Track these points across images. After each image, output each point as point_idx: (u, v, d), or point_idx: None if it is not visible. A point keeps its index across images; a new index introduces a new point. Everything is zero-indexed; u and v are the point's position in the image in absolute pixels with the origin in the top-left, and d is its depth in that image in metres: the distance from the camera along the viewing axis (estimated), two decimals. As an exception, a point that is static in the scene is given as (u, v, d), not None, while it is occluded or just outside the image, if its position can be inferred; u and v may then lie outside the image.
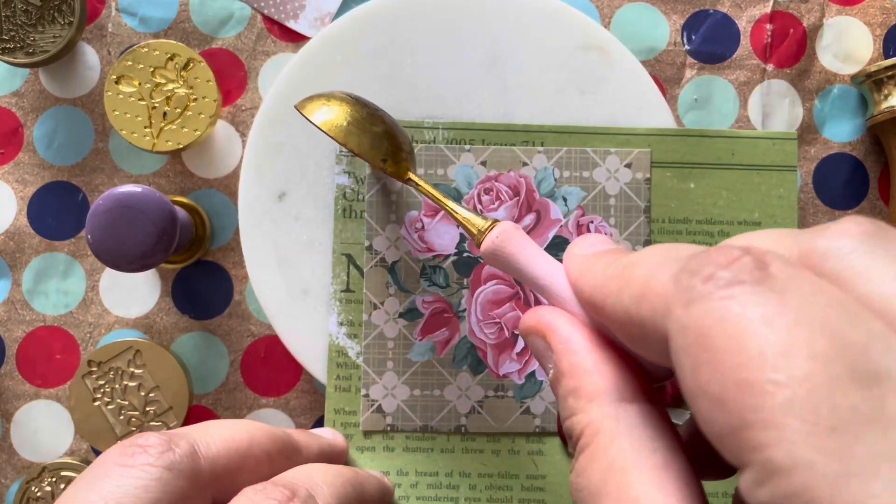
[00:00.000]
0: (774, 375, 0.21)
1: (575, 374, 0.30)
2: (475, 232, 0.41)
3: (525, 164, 0.53)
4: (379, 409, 0.52)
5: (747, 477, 0.21)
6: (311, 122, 0.46)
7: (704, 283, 0.23)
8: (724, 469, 0.30)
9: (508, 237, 0.38)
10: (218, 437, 0.40)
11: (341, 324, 0.52)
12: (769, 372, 0.21)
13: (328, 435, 0.50)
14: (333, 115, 0.46)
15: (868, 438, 0.20)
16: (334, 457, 0.49)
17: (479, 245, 0.40)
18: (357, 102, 0.47)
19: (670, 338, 0.24)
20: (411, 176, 0.47)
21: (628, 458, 0.27)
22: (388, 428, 0.52)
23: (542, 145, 0.53)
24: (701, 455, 0.30)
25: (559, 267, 0.35)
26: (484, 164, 0.53)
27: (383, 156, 0.46)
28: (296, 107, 0.47)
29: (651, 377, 0.31)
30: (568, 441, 0.30)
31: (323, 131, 0.45)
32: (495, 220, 0.40)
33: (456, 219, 0.43)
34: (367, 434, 0.52)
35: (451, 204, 0.44)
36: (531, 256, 0.37)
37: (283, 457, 0.43)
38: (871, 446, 0.20)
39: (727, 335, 0.22)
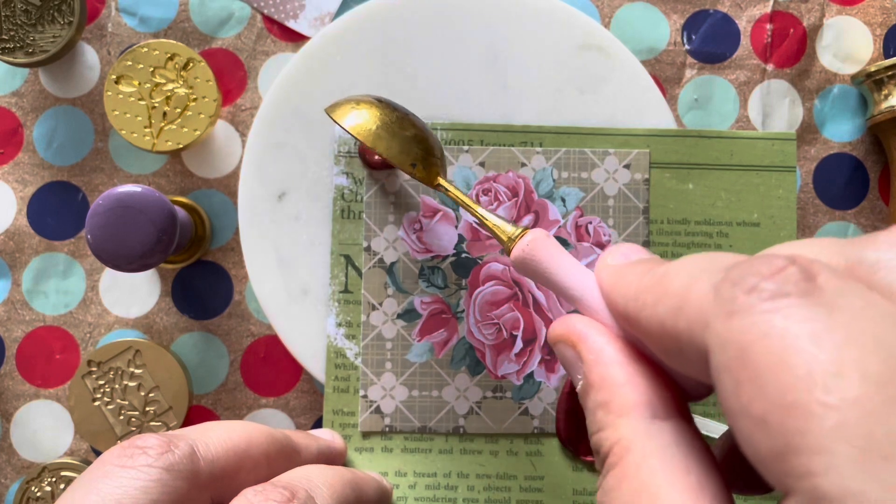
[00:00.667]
0: (824, 397, 0.19)
1: (605, 386, 0.29)
2: (505, 239, 0.40)
3: (523, 164, 0.53)
4: (377, 410, 0.52)
5: None
6: (340, 126, 0.46)
7: (747, 295, 0.22)
8: (763, 485, 0.29)
9: (539, 245, 0.37)
10: (216, 438, 0.40)
11: (339, 325, 0.52)
12: (818, 393, 0.19)
13: (327, 436, 0.50)
14: (363, 119, 0.46)
15: None
16: (333, 458, 0.49)
17: (508, 253, 0.39)
18: (387, 106, 0.47)
19: (710, 353, 0.23)
20: (441, 181, 0.47)
21: (660, 479, 0.25)
22: (387, 429, 0.52)
23: (541, 146, 0.53)
24: (738, 471, 0.29)
25: (591, 276, 0.34)
26: (482, 164, 0.53)
27: (413, 160, 0.46)
28: (326, 110, 0.47)
29: (686, 394, 0.30)
30: (595, 457, 0.29)
31: (352, 135, 0.45)
32: (525, 228, 0.39)
33: (486, 225, 0.42)
34: (365, 435, 0.52)
35: (480, 210, 0.43)
36: (561, 265, 0.36)
37: (282, 458, 0.43)
38: None
39: (771, 352, 0.21)
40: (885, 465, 0.18)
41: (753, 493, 0.30)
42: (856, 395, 0.19)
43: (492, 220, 0.42)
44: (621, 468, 0.26)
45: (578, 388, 0.30)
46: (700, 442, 0.27)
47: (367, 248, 0.53)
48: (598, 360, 0.29)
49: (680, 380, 0.29)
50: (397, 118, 0.47)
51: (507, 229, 0.40)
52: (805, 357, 0.20)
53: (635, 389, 0.28)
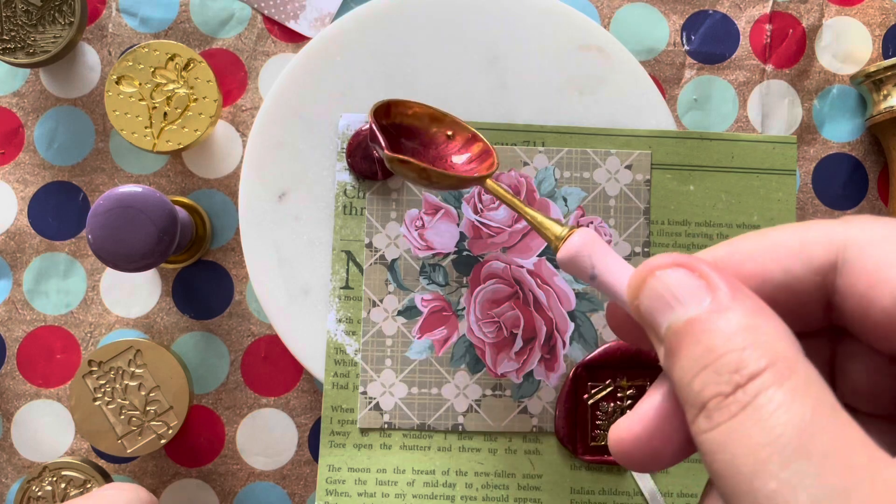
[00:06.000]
0: None
1: (753, 312, 0.26)
2: (552, 238, 0.39)
3: (526, 163, 0.53)
4: (376, 407, 0.52)
5: None
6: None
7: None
8: None
9: (588, 246, 0.36)
10: None
11: (340, 321, 0.52)
12: None
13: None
14: None
15: None
16: None
17: (555, 252, 0.38)
18: None
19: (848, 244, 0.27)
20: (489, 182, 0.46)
21: (831, 397, 0.24)
22: (386, 426, 0.52)
23: (543, 145, 0.53)
24: None
25: None
26: (483, 163, 0.53)
27: None
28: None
29: None
30: (716, 381, 0.26)
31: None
32: (573, 227, 0.38)
33: (532, 224, 0.41)
34: (364, 432, 0.52)
35: (528, 210, 0.42)
36: (612, 266, 0.35)
37: None
38: None
39: None
40: None
41: None
42: None
43: (539, 218, 0.41)
44: (794, 383, 0.25)
45: (692, 314, 0.27)
46: None
47: (369, 245, 0.53)
48: (734, 283, 0.28)
49: None
50: None
51: (555, 229, 0.39)
52: None
53: (781, 323, 0.27)
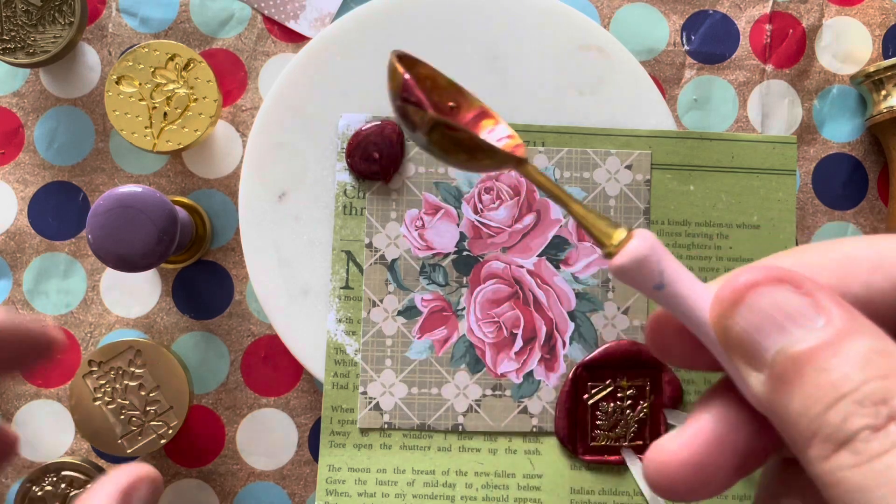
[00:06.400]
0: None
1: (875, 335, 0.24)
2: (605, 240, 0.30)
3: (525, 164, 0.53)
4: (376, 407, 0.52)
5: None
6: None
7: None
8: None
9: (657, 251, 0.29)
10: None
11: (340, 321, 0.52)
12: None
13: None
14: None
15: None
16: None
17: (607, 256, 0.30)
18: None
19: None
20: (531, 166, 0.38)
21: None
22: (386, 426, 0.52)
23: (543, 145, 0.53)
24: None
25: (709, 291, 0.28)
26: (484, 163, 0.53)
27: None
28: None
29: None
30: (858, 413, 0.23)
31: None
32: (630, 230, 0.30)
33: (579, 221, 0.31)
34: (364, 432, 0.52)
35: (577, 205, 0.31)
36: (683, 276, 0.29)
37: None
38: None
39: None
40: None
41: None
42: None
43: (590, 218, 0.30)
44: None
45: (811, 337, 0.25)
46: None
47: (369, 245, 0.53)
48: (847, 305, 0.25)
49: None
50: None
51: (610, 232, 0.30)
52: None
53: None
